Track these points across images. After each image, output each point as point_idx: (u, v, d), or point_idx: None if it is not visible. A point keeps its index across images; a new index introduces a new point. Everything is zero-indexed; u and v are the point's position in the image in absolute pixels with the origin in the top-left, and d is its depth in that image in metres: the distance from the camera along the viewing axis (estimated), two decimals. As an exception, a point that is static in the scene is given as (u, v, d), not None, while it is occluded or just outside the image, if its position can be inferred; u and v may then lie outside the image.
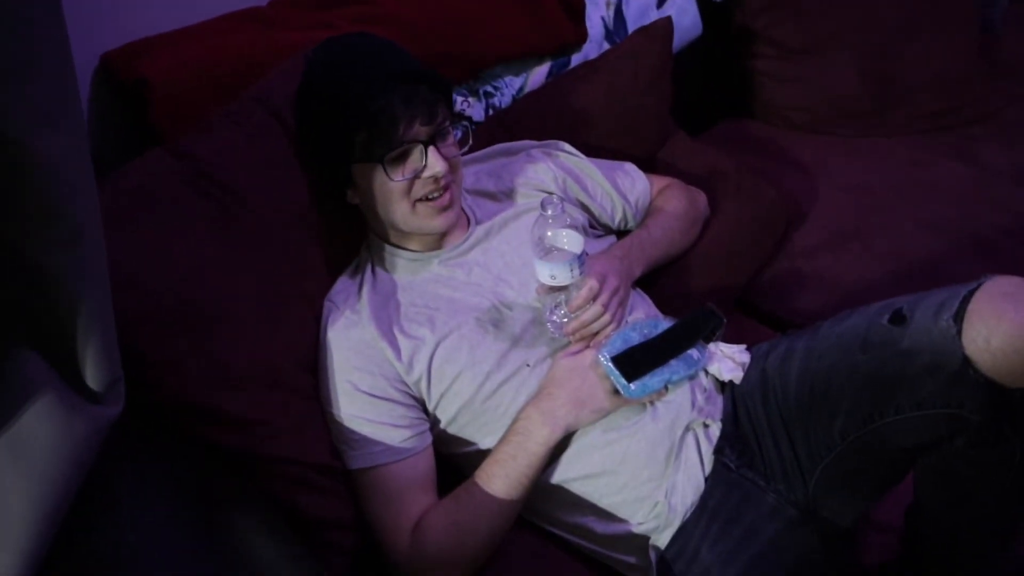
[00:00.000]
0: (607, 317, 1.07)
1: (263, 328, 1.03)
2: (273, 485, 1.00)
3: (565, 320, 1.08)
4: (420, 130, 1.03)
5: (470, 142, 1.12)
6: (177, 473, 0.92)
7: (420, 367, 1.07)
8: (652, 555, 1.03)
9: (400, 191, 1.06)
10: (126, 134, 1.19)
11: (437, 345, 1.07)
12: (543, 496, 1.08)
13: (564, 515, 1.08)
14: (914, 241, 1.48)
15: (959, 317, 0.82)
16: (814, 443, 0.97)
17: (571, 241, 1.04)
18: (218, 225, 1.02)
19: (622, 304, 1.10)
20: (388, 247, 1.14)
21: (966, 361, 0.81)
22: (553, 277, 1.04)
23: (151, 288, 0.94)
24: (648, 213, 1.32)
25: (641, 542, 1.05)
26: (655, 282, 1.31)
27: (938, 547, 1.00)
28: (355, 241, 1.19)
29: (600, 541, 1.07)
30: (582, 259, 1.04)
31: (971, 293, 0.83)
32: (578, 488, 1.06)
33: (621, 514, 1.05)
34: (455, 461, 1.11)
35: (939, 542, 0.99)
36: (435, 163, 1.04)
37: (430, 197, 1.07)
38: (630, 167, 1.34)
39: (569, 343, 1.10)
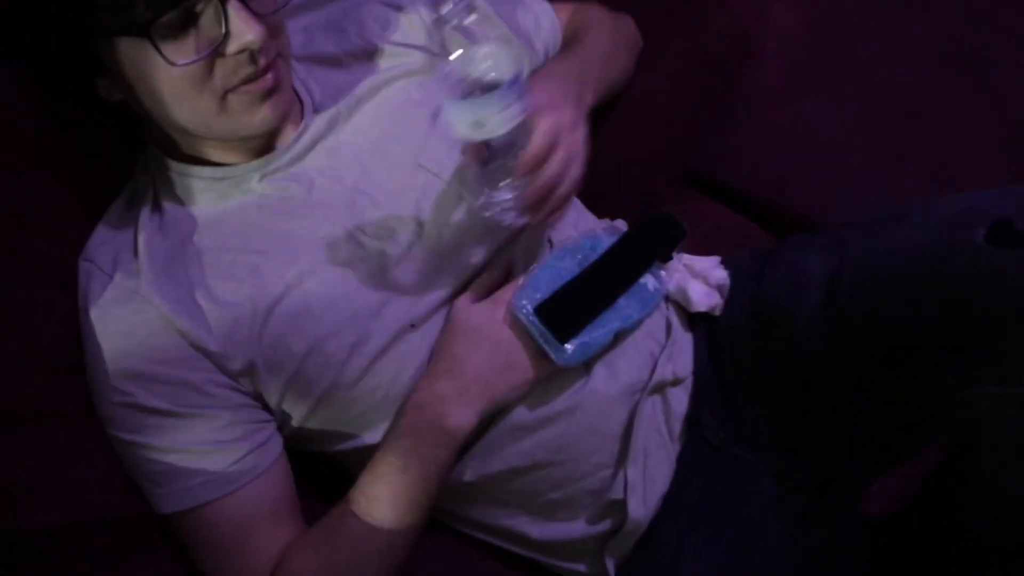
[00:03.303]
0: (574, 172, 0.68)
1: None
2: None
3: (510, 197, 0.66)
4: None
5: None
6: None
7: (244, 351, 0.70)
8: (609, 563, 0.75)
9: (193, 81, 0.64)
10: None
11: (270, 311, 0.71)
12: (455, 497, 0.77)
13: (486, 518, 0.79)
14: (890, 74, 1.16)
15: None
16: (841, 408, 0.68)
17: (498, 61, 0.60)
18: None
19: (585, 148, 0.70)
20: (176, 165, 0.74)
21: None
22: (479, 125, 0.61)
23: None
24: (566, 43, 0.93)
25: (593, 545, 0.76)
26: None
27: (984, 525, 0.73)
28: (119, 162, 0.77)
29: (538, 548, 0.78)
30: (519, 86, 0.61)
31: None
32: (502, 486, 0.76)
33: (562, 514, 0.76)
34: (331, 459, 0.78)
35: (987, 519, 0.73)
36: (244, 27, 0.62)
37: (245, 80, 0.66)
38: (531, 1, 0.94)
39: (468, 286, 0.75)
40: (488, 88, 0.60)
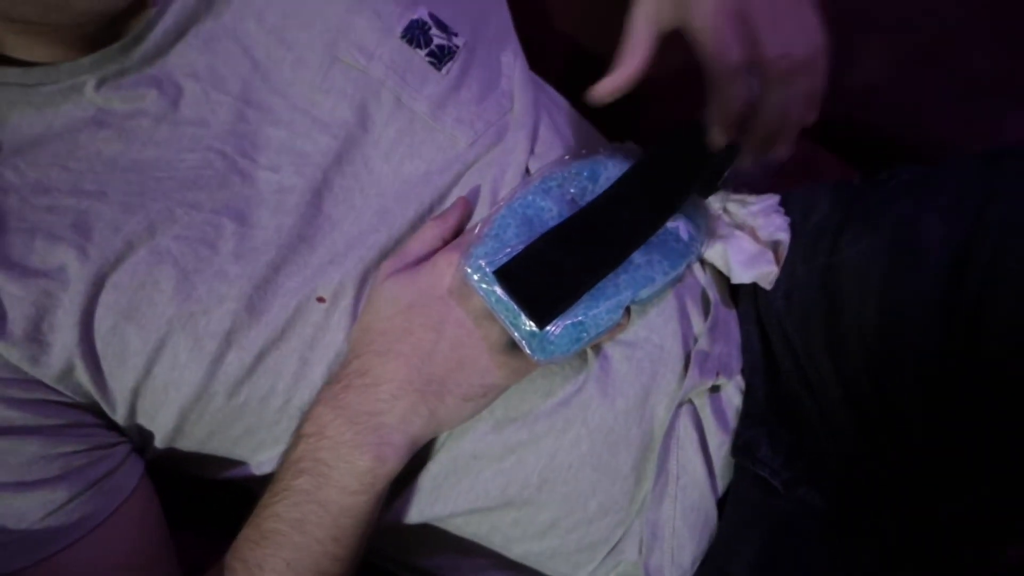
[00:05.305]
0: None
1: None
2: None
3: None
4: None
5: None
6: None
7: (63, 341, 0.46)
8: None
9: None
10: None
11: (100, 282, 0.47)
12: (397, 541, 0.54)
13: (445, 570, 0.55)
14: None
15: None
16: (967, 451, 0.42)
17: None
18: None
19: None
20: None
21: None
22: None
23: None
24: None
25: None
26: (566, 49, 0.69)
27: None
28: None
29: (517, 613, 0.54)
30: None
31: None
32: (461, 530, 0.52)
33: (549, 570, 0.52)
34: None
35: None
36: None
37: None
38: None
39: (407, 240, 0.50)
40: None
